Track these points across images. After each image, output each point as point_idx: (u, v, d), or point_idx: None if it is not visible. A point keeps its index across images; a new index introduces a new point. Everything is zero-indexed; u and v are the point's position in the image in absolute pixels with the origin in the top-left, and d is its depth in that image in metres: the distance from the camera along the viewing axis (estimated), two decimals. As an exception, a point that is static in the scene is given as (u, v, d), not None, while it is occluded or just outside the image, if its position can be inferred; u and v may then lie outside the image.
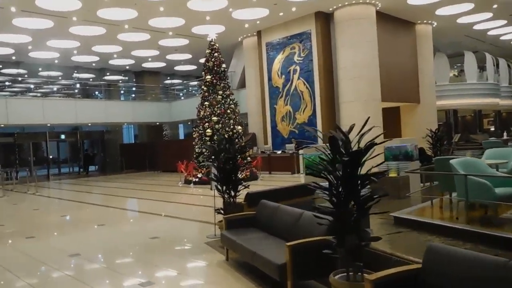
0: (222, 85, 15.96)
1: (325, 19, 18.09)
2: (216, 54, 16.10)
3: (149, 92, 27.85)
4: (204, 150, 15.28)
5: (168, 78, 31.60)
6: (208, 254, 5.77)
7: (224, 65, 16.28)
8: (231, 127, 15.61)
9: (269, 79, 19.99)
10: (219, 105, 15.66)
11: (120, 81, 29.79)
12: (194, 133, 16.03)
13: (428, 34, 21.07)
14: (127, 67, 27.44)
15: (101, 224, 8.34)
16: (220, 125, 15.38)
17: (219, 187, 6.09)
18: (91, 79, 27.96)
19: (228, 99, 15.99)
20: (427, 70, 21.12)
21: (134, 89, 29.54)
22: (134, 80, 29.28)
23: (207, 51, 16.22)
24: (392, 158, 10.05)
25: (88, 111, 22.24)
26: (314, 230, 4.07)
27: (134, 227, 8.36)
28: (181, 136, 31.10)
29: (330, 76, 18.18)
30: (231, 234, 5.11)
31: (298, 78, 18.74)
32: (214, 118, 15.42)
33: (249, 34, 20.92)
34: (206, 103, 15.75)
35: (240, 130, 15.80)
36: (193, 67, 28.47)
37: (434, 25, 20.97)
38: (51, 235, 7.91)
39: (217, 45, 16.34)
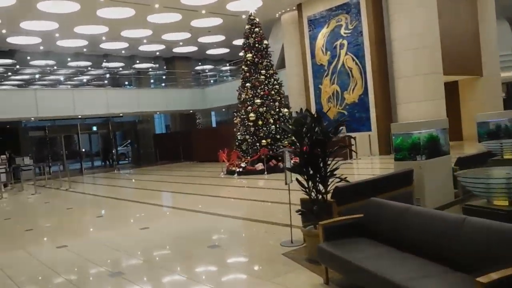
0: (264, 63, 14.35)
1: (375, -15, 16.12)
2: (256, 29, 14.46)
3: (179, 80, 26.51)
4: (247, 137, 13.77)
5: (200, 63, 30.18)
6: (293, 272, 4.24)
7: (266, 41, 14.63)
8: (277, 109, 14.01)
9: (312, 56, 18.22)
10: (262, 86, 14.07)
11: (150, 69, 28.58)
12: (235, 118, 14.52)
13: (489, -3, 18.75)
14: (157, 53, 26.16)
15: (144, 227, 6.95)
16: (264, 108, 13.80)
17: (301, 180, 4.53)
18: (120, 68, 26.86)
19: (272, 79, 14.37)
20: (490, 37, 18.82)
21: (164, 77, 28.26)
22: (165, 67, 28.01)
23: (247, 26, 14.61)
24: (487, 137, 8.22)
25: (119, 101, 21.10)
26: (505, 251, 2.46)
27: (182, 230, 6.91)
28: (213, 124, 29.72)
29: (383, 49, 16.26)
30: (336, 248, 3.56)
31: (346, 54, 16.88)
32: (258, 101, 13.86)
33: (288, 9, 19.14)
34: (247, 84, 14.20)
35: (286, 113, 14.18)
36: (226, 50, 26.92)
37: (496, -13, 18.62)
38: (86, 243, 6.57)
39: (257, 19, 14.69)
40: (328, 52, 17.52)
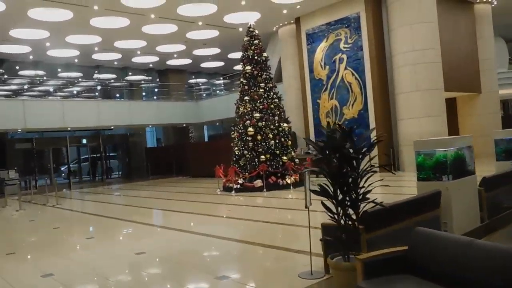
0: (263, 76, 13.88)
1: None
2: (256, 41, 14.03)
3: (172, 93, 25.93)
4: (245, 152, 13.21)
5: (193, 77, 29.70)
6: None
7: (265, 54, 14.19)
8: (276, 124, 13.50)
9: (311, 70, 17.84)
10: (261, 100, 13.58)
11: (143, 81, 27.99)
12: (232, 132, 13.97)
13: (487, 14, 18.67)
14: (151, 65, 25.64)
15: (140, 252, 6.30)
16: (263, 122, 13.28)
17: (328, 204, 3.98)
18: (112, 80, 26.22)
19: (271, 93, 13.89)
20: (488, 55, 18.69)
21: (156, 90, 27.65)
22: (158, 79, 27.45)
23: (245, 38, 14.18)
24: (505, 155, 7.77)
25: (111, 113, 20.45)
26: None
27: (183, 256, 6.26)
28: (206, 138, 29.08)
29: (383, 64, 15.95)
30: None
31: (345, 68, 16.53)
32: (257, 115, 13.34)
33: (285, 23, 18.84)
34: (246, 98, 13.69)
35: (286, 128, 13.68)
36: (221, 63, 26.51)
37: (494, 4, 18.53)
38: (75, 271, 5.89)
39: (256, 31, 14.26)
40: (327, 67, 17.16)
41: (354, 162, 3.83)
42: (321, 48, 17.34)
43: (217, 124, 27.10)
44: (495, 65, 19.22)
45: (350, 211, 4.01)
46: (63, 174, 23.50)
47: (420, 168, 5.84)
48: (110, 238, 8.13)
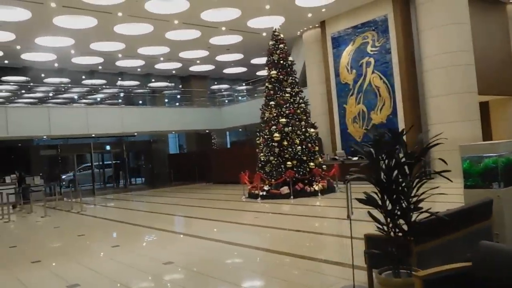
0: (289, 81, 13.56)
1: (403, 1, 15.40)
2: (281, 45, 13.73)
3: (195, 99, 25.87)
4: (271, 158, 12.89)
5: (215, 83, 29.61)
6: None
7: (291, 58, 13.88)
8: (303, 129, 13.14)
9: (336, 75, 17.44)
10: (287, 105, 13.25)
11: (166, 88, 28.02)
12: (258, 138, 13.67)
13: (521, 16, 17.95)
14: (174, 72, 25.65)
15: (167, 262, 6.03)
16: (290, 127, 12.94)
17: (376, 215, 3.61)
18: (135, 87, 26.33)
19: (298, 97, 13.56)
20: (522, 57, 17.96)
21: (178, 96, 27.62)
22: (180, 86, 27.45)
23: (271, 42, 13.90)
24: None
25: (134, 119, 20.45)
26: None
27: (211, 267, 5.94)
28: (227, 145, 28.87)
29: (413, 67, 15.43)
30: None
31: (373, 72, 16.07)
32: (283, 120, 13.01)
33: (310, 27, 18.52)
34: (271, 103, 13.38)
35: (313, 134, 13.31)
36: (243, 69, 26.34)
37: (528, 5, 17.82)
38: (102, 282, 5.65)
39: (281, 35, 13.98)
40: (354, 70, 16.74)
41: (406, 168, 3.46)
42: (347, 52, 16.94)
43: (240, 130, 26.88)
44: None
45: (400, 221, 3.64)
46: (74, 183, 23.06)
47: (466, 174, 5.40)
48: (136, 246, 7.90)
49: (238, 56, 22.86)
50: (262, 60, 24.30)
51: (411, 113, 15.20)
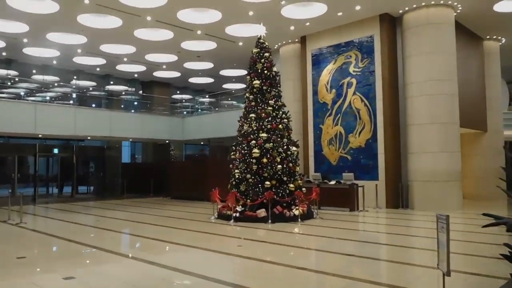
0: (273, 93, 12.47)
1: (390, 24, 14.93)
2: (266, 54, 12.66)
3: (156, 107, 24.20)
4: (248, 176, 11.62)
5: (178, 92, 28.07)
6: None
7: (275, 68, 12.82)
8: (284, 147, 12.03)
9: (314, 93, 16.63)
10: (269, 119, 12.11)
11: (123, 92, 26.10)
12: (233, 153, 12.39)
13: (495, 52, 18.18)
14: (135, 75, 23.92)
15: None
16: (271, 144, 11.77)
17: None
18: (91, 88, 24.24)
19: (280, 111, 12.48)
20: (495, 93, 18.10)
21: (136, 103, 25.78)
22: (141, 91, 25.65)
23: (255, 50, 12.78)
24: None
25: (89, 122, 18.51)
26: None
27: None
28: (183, 158, 27.09)
29: (396, 91, 14.90)
30: None
31: (354, 93, 15.39)
32: (263, 135, 11.84)
33: (289, 41, 17.71)
34: (252, 115, 12.20)
35: (295, 152, 12.23)
36: (210, 80, 25.05)
37: (502, 42, 18.03)
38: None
39: (266, 43, 12.93)
40: (333, 90, 15.99)
41: None
42: (328, 70, 16.19)
43: (201, 143, 25.43)
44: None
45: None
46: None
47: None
48: (93, 280, 6.29)
49: (207, 65, 21.59)
50: (232, 72, 23.26)
51: (392, 139, 14.59)
